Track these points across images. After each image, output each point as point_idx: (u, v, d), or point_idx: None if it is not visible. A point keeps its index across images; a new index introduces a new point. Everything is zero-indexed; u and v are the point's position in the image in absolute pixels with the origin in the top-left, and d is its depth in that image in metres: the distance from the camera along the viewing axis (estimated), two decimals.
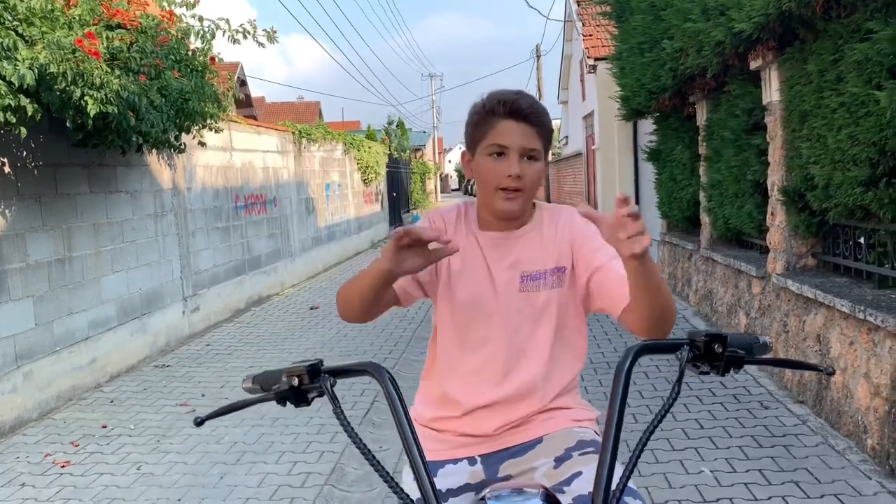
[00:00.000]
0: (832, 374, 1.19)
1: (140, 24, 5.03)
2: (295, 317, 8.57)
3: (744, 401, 4.72)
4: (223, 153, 8.84)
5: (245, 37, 5.79)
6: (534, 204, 1.76)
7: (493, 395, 1.70)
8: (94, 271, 5.99)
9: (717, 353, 1.19)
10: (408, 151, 26.80)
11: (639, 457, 1.08)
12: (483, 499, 1.13)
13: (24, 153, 5.13)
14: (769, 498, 3.40)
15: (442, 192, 54.91)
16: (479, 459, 1.71)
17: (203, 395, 5.52)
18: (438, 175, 46.12)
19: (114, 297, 6.25)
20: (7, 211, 4.96)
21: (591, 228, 1.69)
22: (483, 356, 1.71)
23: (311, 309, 9.06)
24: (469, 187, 60.21)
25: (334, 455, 4.25)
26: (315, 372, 1.22)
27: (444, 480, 1.67)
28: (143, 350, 6.68)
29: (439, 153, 54.20)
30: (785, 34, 4.52)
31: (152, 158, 6.97)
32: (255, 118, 18.96)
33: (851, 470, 3.63)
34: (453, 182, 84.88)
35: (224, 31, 5.77)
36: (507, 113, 1.62)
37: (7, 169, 4.94)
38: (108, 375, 6.07)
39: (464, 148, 1.79)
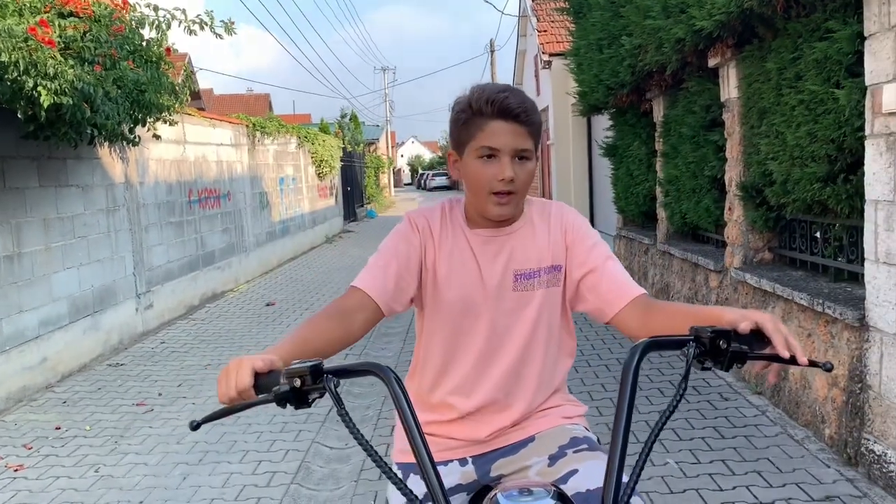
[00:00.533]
0: (831, 369, 1.21)
1: (93, 12, 4.87)
2: (251, 313, 8.44)
3: (704, 393, 4.81)
4: (176, 146, 8.65)
5: (202, 27, 5.65)
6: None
7: (484, 398, 1.66)
8: (45, 268, 5.79)
9: (722, 349, 1.19)
10: (361, 145, 26.62)
11: (647, 456, 1.07)
12: (493, 498, 1.11)
13: None
14: (734, 488, 3.47)
15: (395, 186, 54.74)
16: (470, 460, 1.69)
17: (160, 395, 5.39)
18: (392, 169, 45.92)
19: (65, 294, 6.06)
20: None
21: (584, 224, 1.68)
22: (474, 359, 1.66)
23: (268, 305, 8.93)
24: (422, 182, 60.15)
25: (299, 454, 4.19)
26: (318, 372, 1.19)
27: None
28: (96, 348, 6.50)
29: (392, 147, 54.00)
30: (744, 32, 4.60)
31: (104, 151, 6.77)
32: (203, 110, 18.60)
33: (811, 458, 3.72)
34: (406, 176, 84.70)
35: (180, 22, 5.63)
36: (497, 113, 1.53)
37: None
38: (60, 375, 5.89)
39: (446, 145, 1.72)
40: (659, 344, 1.20)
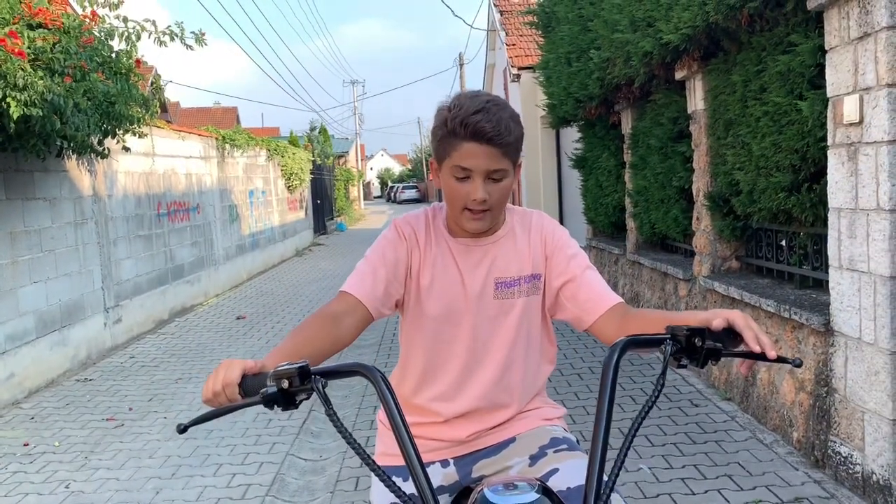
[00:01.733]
0: (799, 365, 1.25)
1: (62, 23, 4.84)
2: (221, 327, 8.37)
3: (675, 399, 4.88)
4: (145, 159, 8.57)
5: (172, 39, 5.63)
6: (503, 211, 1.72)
7: (468, 405, 1.69)
8: (11, 282, 5.70)
9: (697, 347, 1.23)
10: (331, 158, 26.58)
11: (627, 452, 1.10)
12: (480, 494, 1.14)
13: None
14: (705, 492, 3.52)
15: (365, 199, 54.65)
16: (452, 461, 1.71)
17: (130, 409, 5.32)
18: (361, 182, 45.86)
19: (31, 308, 5.96)
20: None
21: (563, 234, 1.71)
22: (457, 367, 1.68)
23: (238, 319, 8.86)
24: (392, 195, 60.11)
25: (274, 466, 4.17)
26: (305, 374, 1.20)
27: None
28: (64, 364, 6.39)
29: (362, 160, 53.95)
30: (710, 46, 4.72)
31: (72, 164, 6.69)
32: (170, 123, 18.45)
33: (779, 462, 3.80)
34: (375, 189, 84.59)
35: (150, 34, 5.60)
36: (470, 136, 1.52)
37: None
38: (27, 391, 5.78)
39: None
40: (637, 342, 1.23)
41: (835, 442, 3.51)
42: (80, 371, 6.53)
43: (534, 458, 1.62)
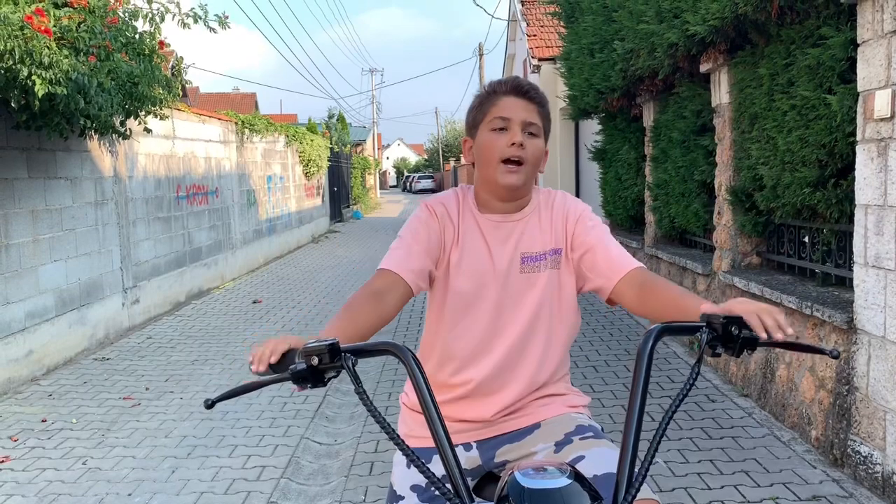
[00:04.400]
0: (837, 357, 1.23)
1: (88, 3, 4.84)
2: (237, 311, 8.40)
3: (692, 395, 4.85)
4: (166, 141, 8.60)
5: (196, 21, 5.63)
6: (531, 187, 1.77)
7: (489, 374, 1.70)
8: (32, 260, 5.74)
9: (734, 335, 1.21)
10: (349, 146, 26.58)
11: (660, 441, 1.09)
12: (511, 476, 1.12)
13: None
14: (721, 487, 3.50)
15: (381, 188, 54.67)
16: (474, 445, 1.71)
17: (147, 389, 5.36)
18: (378, 171, 45.89)
19: (52, 287, 6.01)
20: None
21: (585, 210, 1.73)
22: (479, 336, 1.71)
23: (255, 303, 8.90)
24: (407, 184, 60.07)
25: (289, 448, 4.18)
26: (335, 351, 1.20)
27: (438, 467, 1.65)
28: (82, 342, 6.44)
29: (379, 149, 53.96)
30: (737, 38, 4.66)
31: (93, 144, 6.73)
32: (190, 107, 18.52)
33: (797, 460, 3.77)
34: (392, 178, 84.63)
35: (174, 15, 5.61)
36: (510, 90, 1.70)
37: None
38: (46, 368, 5.84)
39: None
40: (672, 329, 1.22)
41: (855, 441, 3.48)
42: (98, 350, 6.58)
43: (559, 445, 1.61)
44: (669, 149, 6.49)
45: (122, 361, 6.19)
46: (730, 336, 1.21)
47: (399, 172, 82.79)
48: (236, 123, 11.51)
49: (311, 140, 16.92)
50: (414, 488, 1.61)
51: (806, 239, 4.49)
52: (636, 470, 1.08)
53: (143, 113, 5.89)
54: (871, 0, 3.21)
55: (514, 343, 1.71)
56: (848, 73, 3.54)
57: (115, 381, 5.59)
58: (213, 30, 5.74)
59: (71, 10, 4.67)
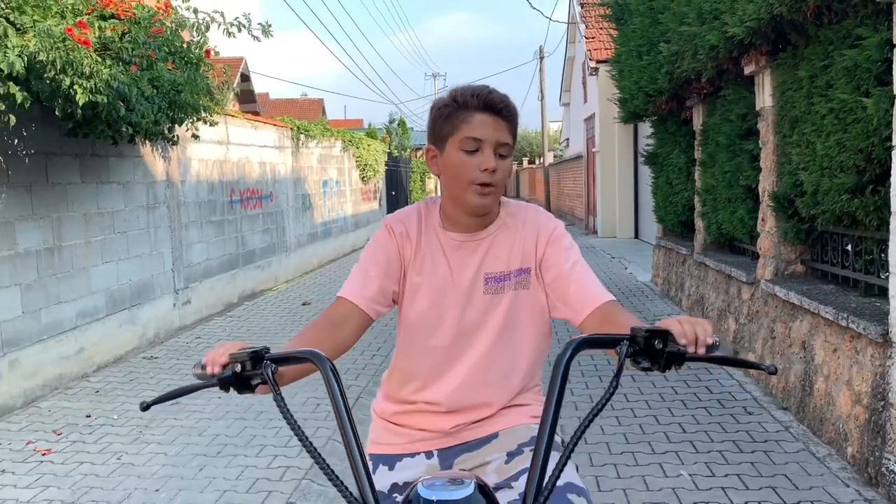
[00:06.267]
0: (774, 373, 1.18)
1: (134, 14, 5.03)
2: (287, 312, 8.57)
3: (728, 406, 4.71)
4: (219, 147, 8.84)
5: (240, 30, 5.78)
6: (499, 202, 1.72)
7: (455, 399, 1.68)
8: (84, 261, 5.98)
9: (658, 349, 1.18)
10: (408, 150, 26.79)
11: (572, 451, 1.07)
12: (415, 488, 1.12)
13: (15, 141, 5.13)
14: (745, 503, 3.39)
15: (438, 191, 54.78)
16: (435, 453, 1.71)
17: None
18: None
19: (103, 287, 6.24)
20: None
21: (557, 229, 1.67)
22: (441, 360, 1.68)
23: (304, 304, 9.05)
24: None
25: None
26: (258, 358, 1.22)
27: (401, 473, 1.66)
28: (132, 341, 6.68)
29: None
30: (778, 39, 4.52)
31: (146, 150, 6.97)
32: (257, 113, 18.99)
33: (830, 477, 3.62)
34: None
35: (219, 24, 5.76)
36: (482, 106, 1.58)
37: None
38: (96, 365, 6.07)
39: (426, 145, 1.73)
40: (593, 341, 1.20)
41: (889, 459, 3.32)
42: (148, 349, 6.80)
43: (511, 455, 1.59)
44: (716, 153, 6.33)
45: (169, 360, 6.38)
46: (654, 350, 1.18)
47: None
48: (292, 129, 11.74)
49: (368, 145, 17.12)
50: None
51: (849, 247, 4.32)
52: (545, 482, 1.06)
53: (190, 120, 6.07)
54: None
55: (476, 364, 1.67)
56: (885, 75, 3.39)
57: (159, 380, 5.77)
58: (256, 38, 5.88)
59: (116, 21, 4.86)
